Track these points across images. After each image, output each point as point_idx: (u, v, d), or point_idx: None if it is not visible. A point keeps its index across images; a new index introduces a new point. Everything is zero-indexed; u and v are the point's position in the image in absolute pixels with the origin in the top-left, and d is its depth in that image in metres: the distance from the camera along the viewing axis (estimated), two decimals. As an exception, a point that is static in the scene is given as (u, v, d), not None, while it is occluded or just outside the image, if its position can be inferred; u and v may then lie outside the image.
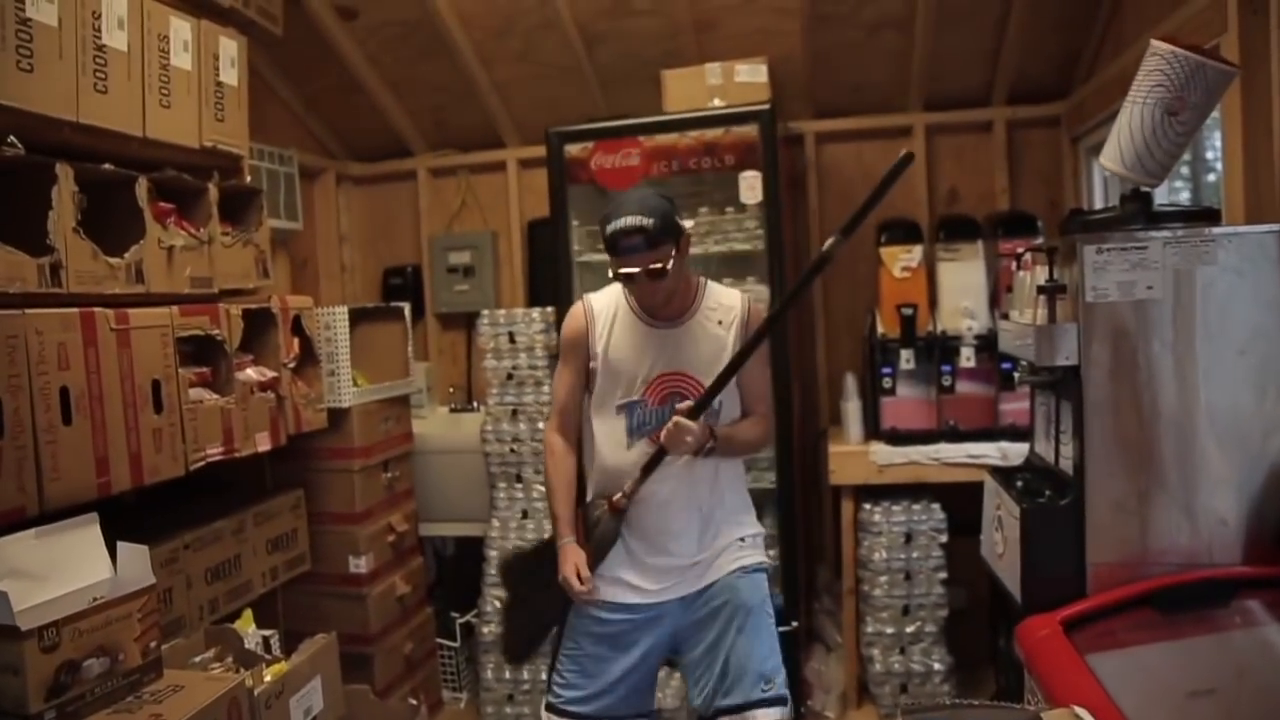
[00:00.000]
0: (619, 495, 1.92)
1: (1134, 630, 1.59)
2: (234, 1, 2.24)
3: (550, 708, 2.00)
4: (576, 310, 2.02)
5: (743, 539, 2.00)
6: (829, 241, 1.83)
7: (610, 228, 1.81)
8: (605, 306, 1.99)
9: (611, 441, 1.96)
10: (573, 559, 1.92)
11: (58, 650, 1.39)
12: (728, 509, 2.00)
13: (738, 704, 1.86)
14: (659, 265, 1.80)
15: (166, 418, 1.84)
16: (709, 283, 2.01)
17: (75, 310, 1.64)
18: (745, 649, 1.89)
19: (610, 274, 1.89)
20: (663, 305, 1.91)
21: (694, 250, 2.95)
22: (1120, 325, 1.73)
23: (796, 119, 3.48)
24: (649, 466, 1.90)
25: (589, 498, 2.03)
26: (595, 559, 1.94)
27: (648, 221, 1.78)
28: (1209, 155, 3.31)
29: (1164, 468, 1.72)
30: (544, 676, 3.05)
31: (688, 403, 1.86)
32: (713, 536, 1.97)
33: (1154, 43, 1.72)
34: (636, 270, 1.81)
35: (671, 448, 1.86)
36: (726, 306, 1.96)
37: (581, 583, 1.89)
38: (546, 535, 2.26)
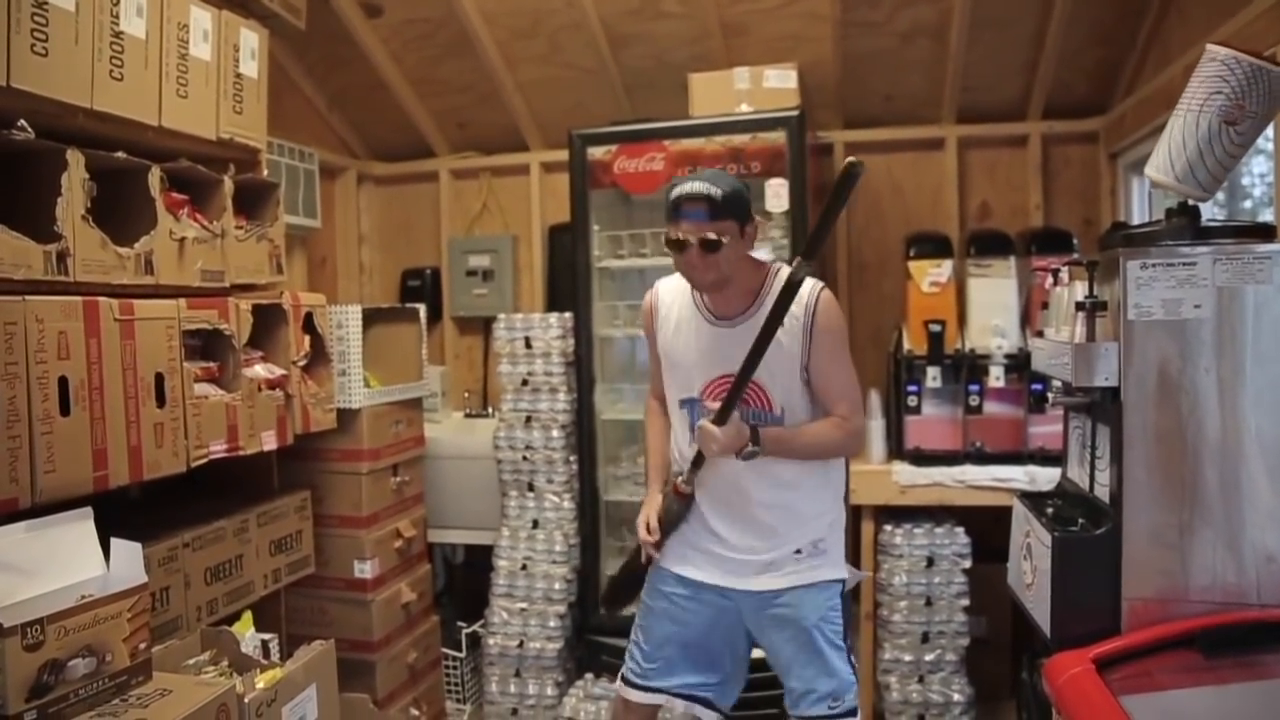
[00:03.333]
0: (681, 480, 1.97)
1: (1173, 672, 1.49)
2: (256, -8, 2.21)
3: (621, 677, 2.09)
4: (647, 296, 2.06)
5: (799, 550, 1.94)
6: (795, 263, 1.79)
7: (676, 191, 1.79)
8: (671, 299, 1.99)
9: (679, 432, 2.02)
10: (646, 510, 2.01)
11: (41, 649, 1.33)
12: (789, 513, 1.93)
13: (807, 718, 1.92)
14: (714, 237, 1.74)
15: (169, 412, 1.79)
16: (773, 268, 1.91)
17: (78, 299, 1.60)
18: (806, 669, 1.92)
19: (664, 242, 1.83)
20: (712, 289, 1.85)
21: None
22: (1164, 345, 1.64)
23: (826, 128, 3.41)
24: (696, 462, 1.93)
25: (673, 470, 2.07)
26: (663, 533, 1.99)
27: (715, 191, 1.74)
28: (1244, 181, 3.21)
29: (1208, 498, 1.63)
30: (548, 691, 3.01)
31: (715, 403, 1.85)
32: (775, 539, 1.94)
33: (1211, 47, 1.64)
34: (690, 238, 1.75)
35: (703, 449, 1.87)
36: (794, 307, 1.80)
37: (649, 533, 1.98)
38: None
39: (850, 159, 1.69)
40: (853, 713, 1.92)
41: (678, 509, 1.98)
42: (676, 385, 2.00)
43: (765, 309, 1.83)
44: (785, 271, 1.84)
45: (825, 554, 1.96)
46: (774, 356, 1.84)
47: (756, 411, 1.90)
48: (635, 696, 2.05)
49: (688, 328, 1.95)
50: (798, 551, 1.94)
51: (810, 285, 1.84)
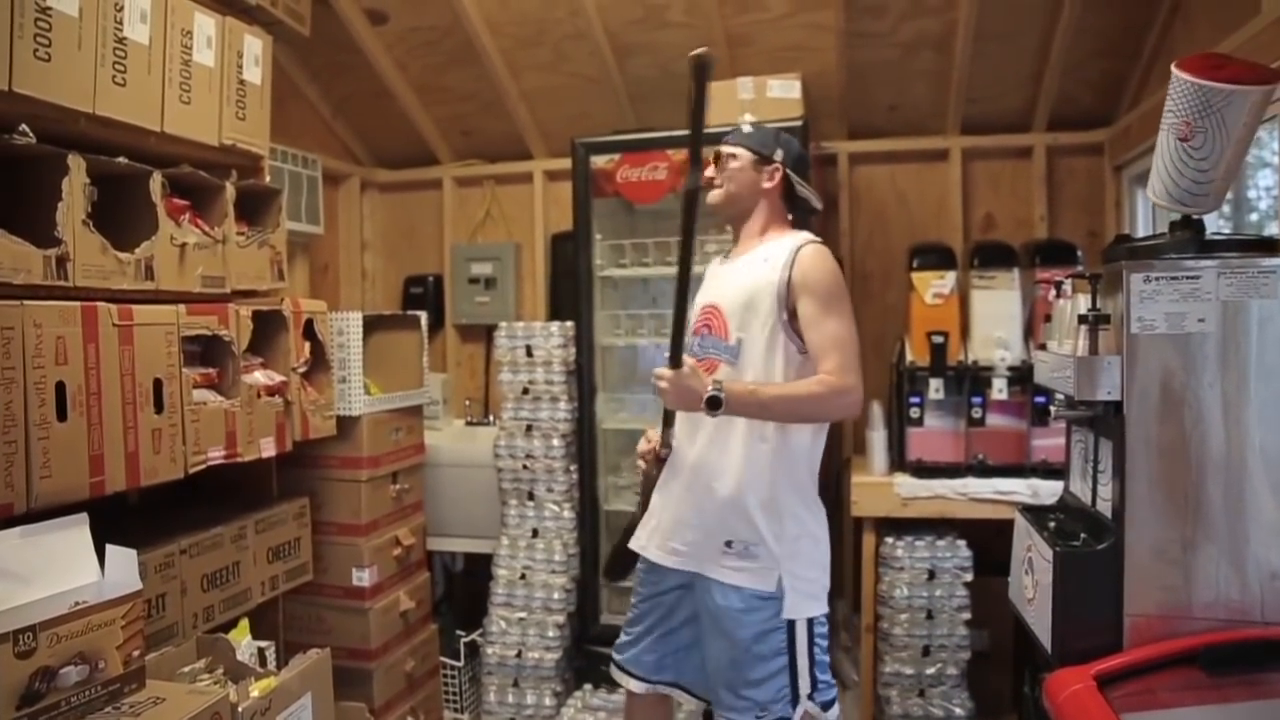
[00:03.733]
0: (658, 444, 1.97)
1: (1176, 690, 1.48)
2: (261, -1, 2.21)
3: (611, 658, 2.12)
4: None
5: (729, 543, 1.84)
6: (689, 176, 1.82)
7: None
8: (717, 260, 2.11)
9: None
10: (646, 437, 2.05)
11: (33, 656, 1.32)
12: (740, 495, 1.83)
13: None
14: (728, 150, 1.96)
15: (167, 418, 1.79)
16: (794, 233, 1.96)
17: (76, 304, 1.60)
18: (733, 679, 1.84)
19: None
20: (720, 205, 1.97)
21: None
22: (1167, 359, 1.63)
23: (830, 138, 3.41)
24: (666, 418, 1.93)
25: None
26: (640, 506, 2.02)
27: (745, 125, 2.01)
28: (1250, 194, 3.20)
29: (1212, 514, 1.61)
30: (546, 701, 2.99)
31: (696, 337, 1.88)
32: (715, 521, 1.87)
33: (1173, 66, 1.65)
34: (711, 154, 1.97)
35: (660, 397, 1.86)
36: (781, 247, 1.88)
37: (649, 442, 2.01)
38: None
39: (696, 51, 1.73)
40: None
41: (650, 480, 1.98)
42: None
43: (759, 253, 1.91)
44: (797, 235, 1.92)
45: (760, 554, 1.82)
46: (741, 281, 1.87)
47: (714, 340, 1.91)
48: (618, 676, 2.09)
49: (712, 272, 2.07)
50: (727, 545, 1.84)
51: (800, 238, 1.91)
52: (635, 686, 2.04)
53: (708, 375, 1.84)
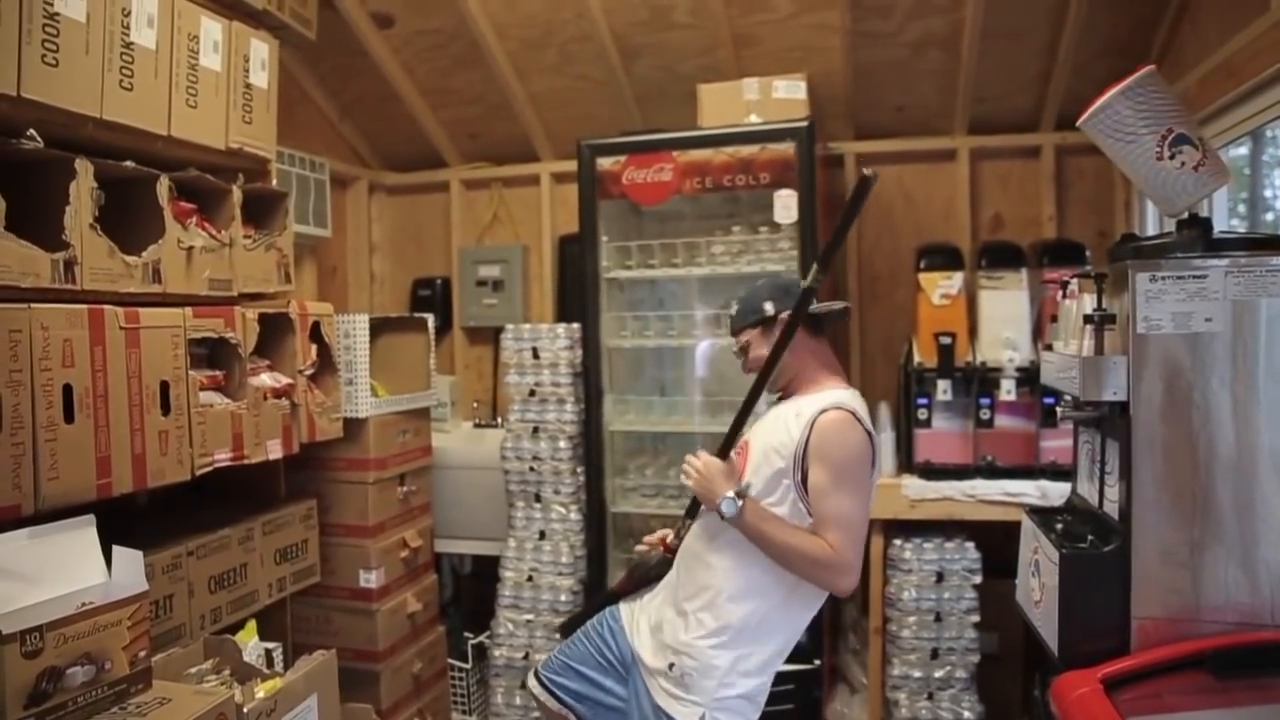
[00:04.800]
0: (671, 536, 1.97)
1: (1183, 694, 1.46)
2: (267, 3, 2.22)
3: (535, 673, 2.06)
4: None
5: (670, 666, 1.79)
6: (810, 274, 1.79)
7: None
8: None
9: None
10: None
11: (40, 656, 1.33)
12: (698, 616, 1.79)
13: None
14: (738, 347, 1.97)
15: (174, 420, 1.80)
16: (829, 386, 1.86)
17: (83, 307, 1.61)
18: None
19: None
20: (766, 379, 1.85)
21: (725, 270, 2.93)
22: (1174, 359, 1.62)
23: (836, 139, 3.40)
24: (690, 510, 1.91)
25: None
26: (632, 583, 2.01)
27: (733, 310, 1.99)
28: (1266, 194, 3.17)
29: (1221, 516, 1.60)
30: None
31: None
32: (663, 631, 1.86)
33: None
34: (737, 343, 1.98)
35: (684, 477, 1.84)
36: (809, 407, 1.78)
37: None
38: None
39: (865, 170, 1.69)
40: None
41: (655, 569, 1.97)
42: None
43: (796, 399, 1.86)
44: (830, 394, 1.81)
45: (688, 690, 1.77)
46: (771, 430, 1.83)
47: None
48: (534, 686, 2.03)
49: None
50: (669, 669, 1.80)
51: (827, 400, 1.77)
52: (552, 704, 1.99)
53: (741, 477, 1.80)
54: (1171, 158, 1.65)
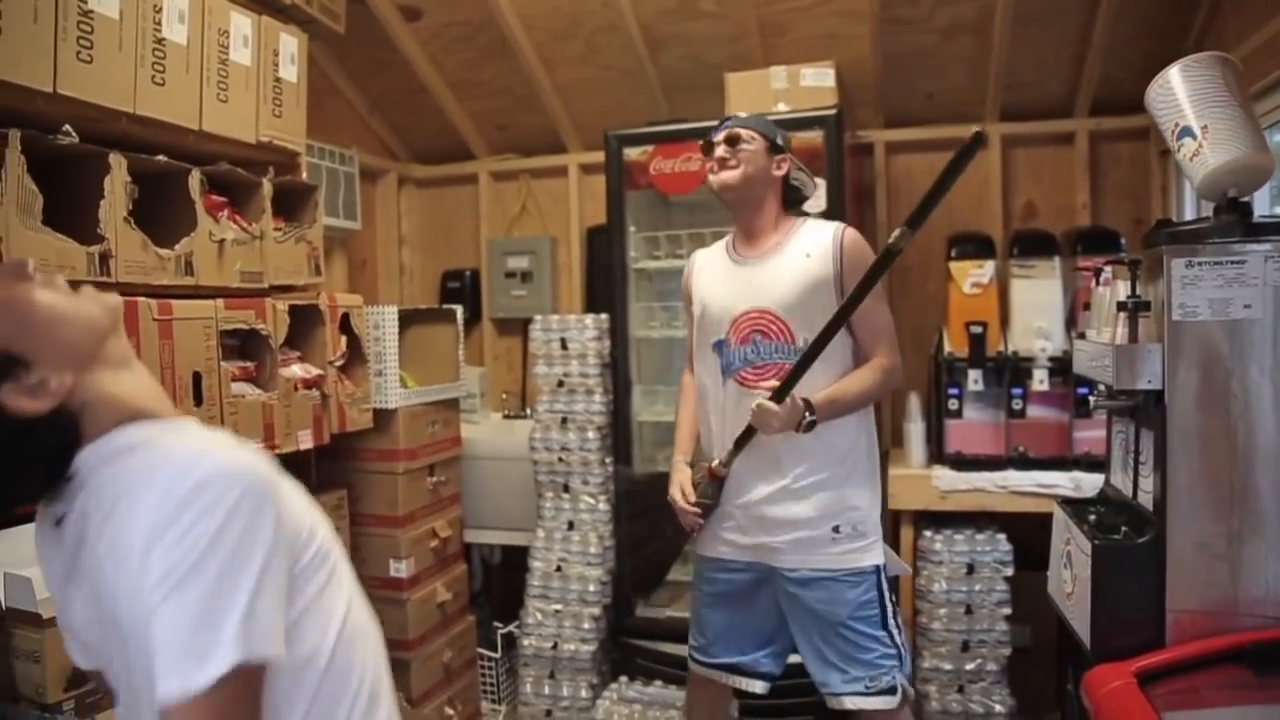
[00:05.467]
0: (717, 462, 1.95)
1: (1220, 689, 1.43)
2: (296, -2, 2.25)
3: (690, 656, 2.12)
4: (686, 265, 2.16)
5: (837, 529, 1.90)
6: (895, 234, 1.76)
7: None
8: (708, 256, 2.10)
9: (709, 380, 2.01)
10: (678, 478, 2.02)
11: (79, 640, 1.36)
12: (827, 487, 1.90)
13: (839, 694, 1.90)
14: (740, 132, 1.93)
15: (206, 410, 1.83)
16: (809, 221, 1.98)
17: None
18: (836, 657, 1.90)
19: (701, 150, 2.01)
20: (735, 191, 1.93)
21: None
22: (1211, 347, 1.58)
23: (866, 127, 3.36)
24: (741, 440, 1.91)
25: (702, 444, 2.08)
26: (702, 517, 2.01)
27: (753, 116, 2.00)
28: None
29: (1260, 507, 1.56)
30: (582, 693, 3.00)
31: (771, 382, 1.84)
32: (811, 514, 1.91)
33: None
34: (719, 136, 1.94)
35: (761, 429, 1.85)
36: (817, 239, 1.91)
37: (686, 502, 1.98)
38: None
39: (975, 128, 1.73)
40: (891, 690, 1.87)
41: (713, 492, 1.97)
42: (708, 330, 2.00)
43: (790, 248, 1.91)
44: (816, 222, 1.95)
45: (865, 537, 1.91)
46: (787, 280, 1.87)
47: (775, 345, 1.90)
48: (701, 671, 2.09)
49: (718, 271, 2.04)
50: (835, 530, 1.90)
51: (836, 225, 1.94)
52: (715, 675, 2.07)
53: (768, 384, 1.86)
54: (1178, 151, 1.65)
